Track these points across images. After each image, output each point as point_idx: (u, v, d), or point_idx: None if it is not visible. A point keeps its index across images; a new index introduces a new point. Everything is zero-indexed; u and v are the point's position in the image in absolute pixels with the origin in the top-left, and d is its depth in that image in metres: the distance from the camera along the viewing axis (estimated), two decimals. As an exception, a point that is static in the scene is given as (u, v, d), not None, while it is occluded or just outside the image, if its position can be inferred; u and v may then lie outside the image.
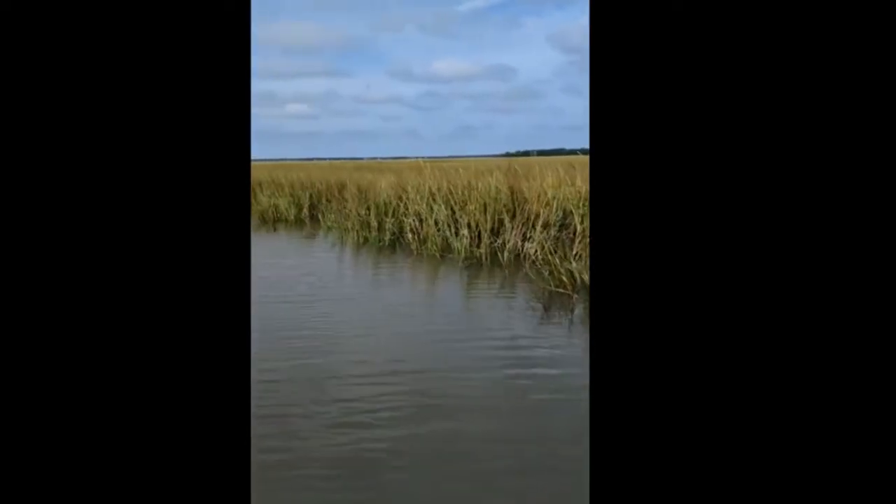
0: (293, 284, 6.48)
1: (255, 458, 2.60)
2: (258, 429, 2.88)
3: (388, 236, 9.25)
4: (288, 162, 43.38)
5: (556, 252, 6.48)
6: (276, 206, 13.38)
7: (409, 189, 9.50)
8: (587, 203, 7.73)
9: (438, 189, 9.04)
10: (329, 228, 11.25)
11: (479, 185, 8.66)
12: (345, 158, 55.71)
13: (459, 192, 8.74)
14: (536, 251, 7.26)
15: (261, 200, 13.79)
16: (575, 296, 5.56)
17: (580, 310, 5.18)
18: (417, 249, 8.28)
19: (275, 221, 13.06)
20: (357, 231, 9.69)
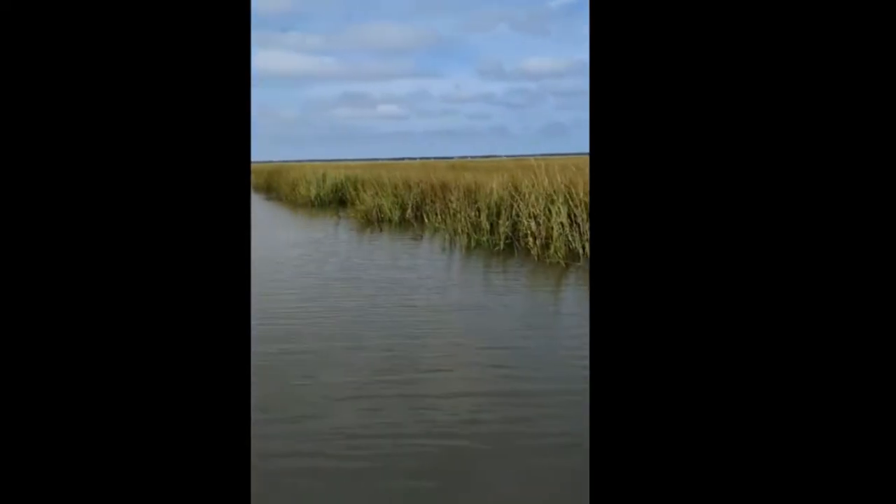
0: (415, 288, 6.22)
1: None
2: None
3: (501, 239, 8.80)
4: (379, 162, 44.08)
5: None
6: (380, 207, 13.27)
7: (524, 188, 9.01)
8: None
9: (556, 190, 8.49)
10: (436, 230, 10.96)
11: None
12: (434, 158, 56.11)
13: (581, 193, 8.15)
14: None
15: (364, 200, 13.77)
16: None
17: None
18: (539, 255, 7.76)
19: (379, 222, 12.97)
20: (468, 233, 9.32)
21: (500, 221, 8.97)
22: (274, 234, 11.49)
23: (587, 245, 7.36)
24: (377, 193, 13.88)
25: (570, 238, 7.69)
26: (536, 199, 8.53)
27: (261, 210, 17.71)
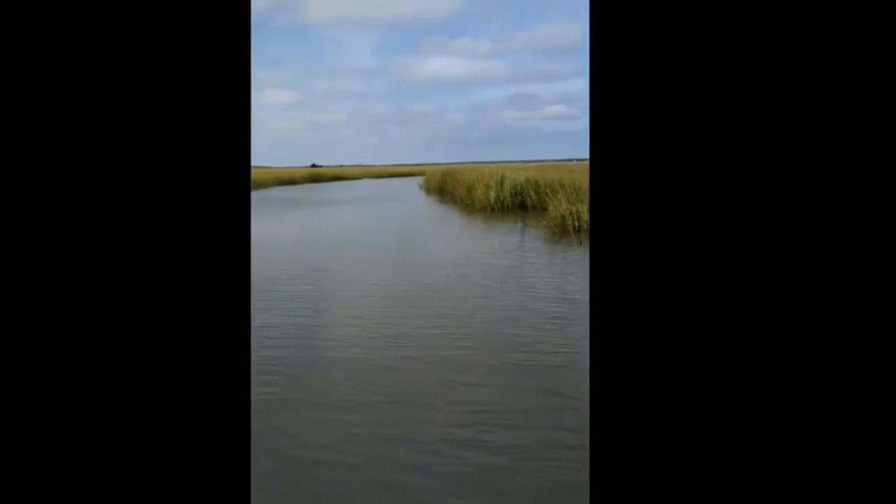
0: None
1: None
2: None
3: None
4: (547, 163, 42.10)
5: None
6: (578, 214, 11.27)
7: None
8: None
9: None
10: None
11: None
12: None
13: None
14: None
15: (556, 205, 11.90)
16: None
17: None
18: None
19: (576, 231, 10.98)
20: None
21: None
22: (465, 243, 10.02)
23: None
24: (570, 198, 11.90)
25: None
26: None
27: (437, 214, 16.63)
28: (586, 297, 6.14)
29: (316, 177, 49.02)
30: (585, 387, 3.79)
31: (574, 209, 11.25)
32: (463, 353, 4.31)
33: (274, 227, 13.81)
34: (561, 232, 10.99)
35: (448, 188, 23.63)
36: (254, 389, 3.53)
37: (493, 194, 16.55)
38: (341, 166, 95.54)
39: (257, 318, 5.29)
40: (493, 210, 16.15)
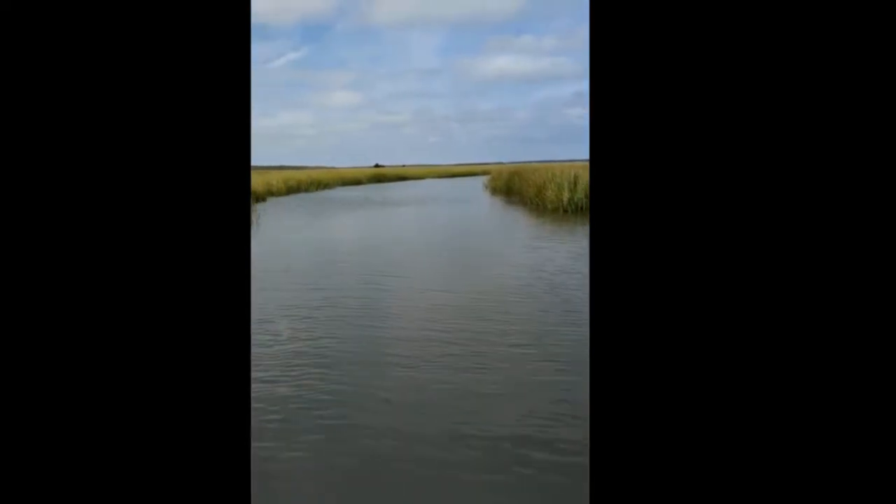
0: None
1: None
2: None
3: None
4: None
5: None
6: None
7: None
8: None
9: None
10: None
11: None
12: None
13: None
14: None
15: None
16: None
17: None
18: None
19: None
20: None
21: None
22: (544, 248, 9.32)
23: None
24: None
25: None
26: None
27: (507, 216, 15.94)
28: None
29: (379, 177, 49.33)
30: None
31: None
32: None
33: (340, 229, 13.52)
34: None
35: (515, 188, 22.86)
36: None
37: (566, 195, 15.72)
38: (403, 166, 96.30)
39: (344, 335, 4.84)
40: (566, 211, 15.34)
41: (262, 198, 24.11)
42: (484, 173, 50.70)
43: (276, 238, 11.82)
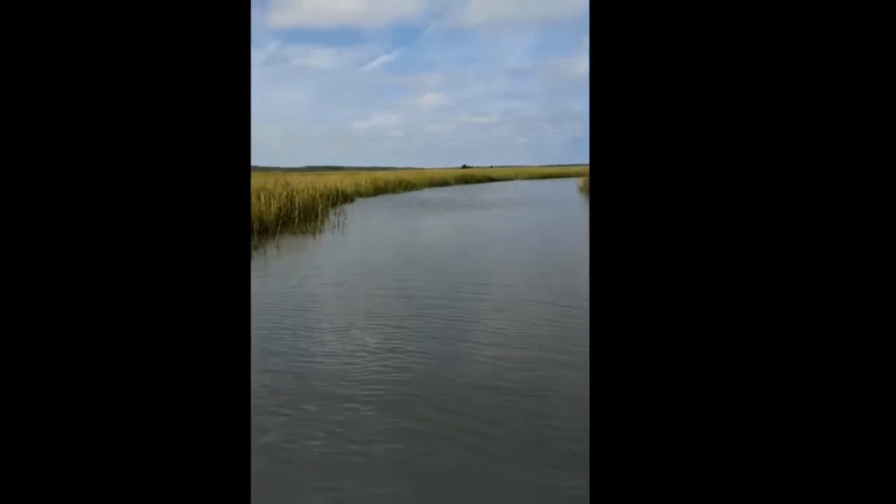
0: None
1: None
2: None
3: None
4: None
5: None
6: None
7: None
8: None
9: None
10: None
11: None
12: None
13: None
14: None
15: None
16: None
17: None
18: None
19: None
20: None
21: None
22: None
23: None
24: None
25: None
26: None
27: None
28: None
29: (467, 177, 48.73)
30: None
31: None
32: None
33: (430, 230, 12.69)
34: None
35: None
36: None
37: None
38: (491, 167, 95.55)
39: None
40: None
41: (350, 198, 23.92)
42: (577, 175, 48.73)
43: (366, 239, 11.18)
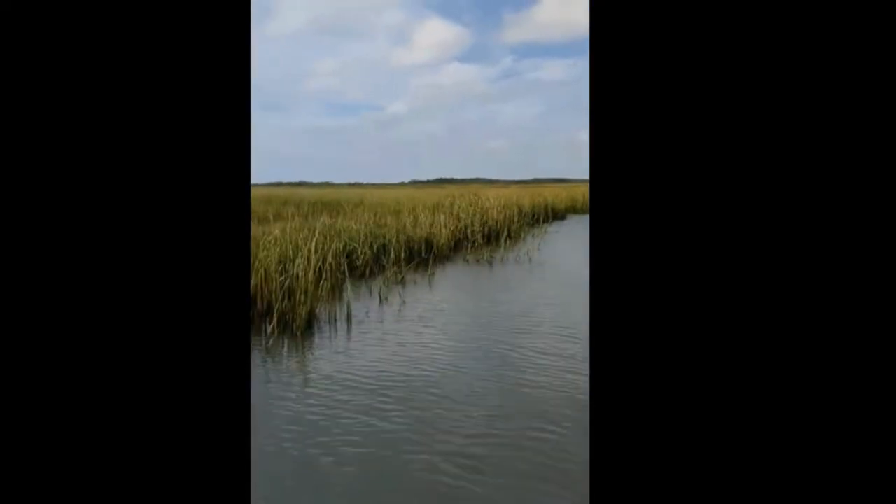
0: None
1: None
2: None
3: None
4: None
5: None
6: None
7: None
8: None
9: None
10: None
11: None
12: None
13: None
14: None
15: None
16: None
17: None
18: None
19: None
20: None
21: None
22: None
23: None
24: None
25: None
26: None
27: None
28: None
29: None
30: None
31: None
32: None
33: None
34: None
35: None
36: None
37: None
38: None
39: None
40: None
41: (560, 215, 20.85)
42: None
43: (554, 269, 8.20)
